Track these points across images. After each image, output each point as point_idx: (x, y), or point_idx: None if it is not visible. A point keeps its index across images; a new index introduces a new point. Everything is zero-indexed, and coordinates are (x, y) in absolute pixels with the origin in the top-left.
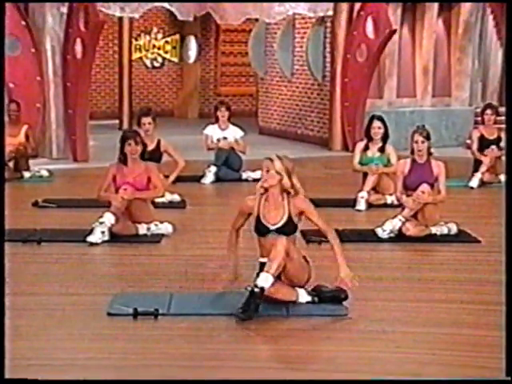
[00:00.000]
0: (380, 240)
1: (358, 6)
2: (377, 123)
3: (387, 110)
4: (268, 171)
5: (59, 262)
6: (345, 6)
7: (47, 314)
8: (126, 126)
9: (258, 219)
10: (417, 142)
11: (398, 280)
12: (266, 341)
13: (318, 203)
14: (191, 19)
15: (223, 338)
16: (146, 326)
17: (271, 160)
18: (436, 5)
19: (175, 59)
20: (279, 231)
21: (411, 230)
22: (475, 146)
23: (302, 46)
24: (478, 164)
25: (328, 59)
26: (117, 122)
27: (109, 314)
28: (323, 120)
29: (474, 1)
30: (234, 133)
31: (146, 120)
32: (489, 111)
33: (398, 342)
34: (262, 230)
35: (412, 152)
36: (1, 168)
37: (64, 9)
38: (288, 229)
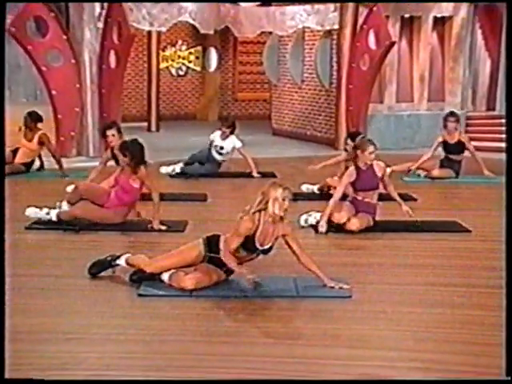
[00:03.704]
0: (380, 229)
1: (361, 20)
2: (350, 142)
3: (387, 114)
4: (285, 201)
5: (95, 248)
6: (349, 21)
7: (84, 294)
8: (154, 128)
9: (251, 239)
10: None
11: (397, 266)
12: (278, 319)
13: (324, 196)
14: (212, 32)
15: (240, 316)
16: (171, 306)
17: (291, 192)
18: (431, 19)
19: (198, 68)
20: (264, 252)
21: (356, 224)
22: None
23: (311, 56)
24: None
25: (334, 68)
26: (145, 124)
27: (139, 295)
28: (330, 122)
29: (475, 1)
30: (232, 143)
31: (110, 132)
32: (451, 118)
33: (396, 321)
34: (251, 248)
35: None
36: (1, 168)
37: (100, 24)
38: (270, 250)
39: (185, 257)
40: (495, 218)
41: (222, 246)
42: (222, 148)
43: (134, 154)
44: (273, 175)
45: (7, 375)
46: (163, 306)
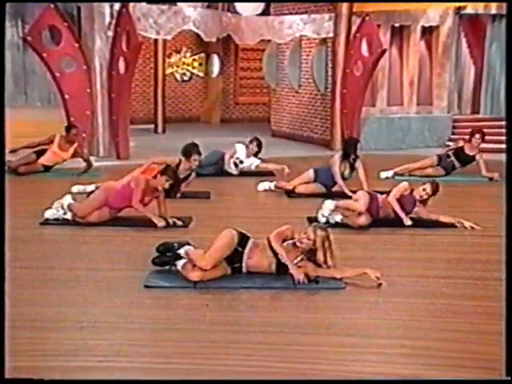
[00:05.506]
0: (375, 224)
1: (354, 29)
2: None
3: (379, 117)
4: (309, 239)
5: (106, 243)
6: (343, 29)
7: (94, 286)
8: (160, 129)
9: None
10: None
11: (388, 259)
12: (277, 309)
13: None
14: (214, 40)
15: (241, 307)
16: (177, 297)
17: (324, 236)
18: (419, 29)
19: (201, 74)
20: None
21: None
22: None
23: (307, 63)
24: None
25: (329, 73)
26: (152, 126)
27: (146, 287)
28: (325, 124)
29: (476, 1)
30: (252, 161)
31: (198, 157)
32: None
33: (388, 311)
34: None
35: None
36: (1, 168)
37: (110, 32)
38: (282, 271)
39: (229, 247)
40: (481, 213)
41: (249, 245)
42: (241, 162)
43: (177, 183)
44: (272, 174)
45: (21, 362)
46: (169, 296)
